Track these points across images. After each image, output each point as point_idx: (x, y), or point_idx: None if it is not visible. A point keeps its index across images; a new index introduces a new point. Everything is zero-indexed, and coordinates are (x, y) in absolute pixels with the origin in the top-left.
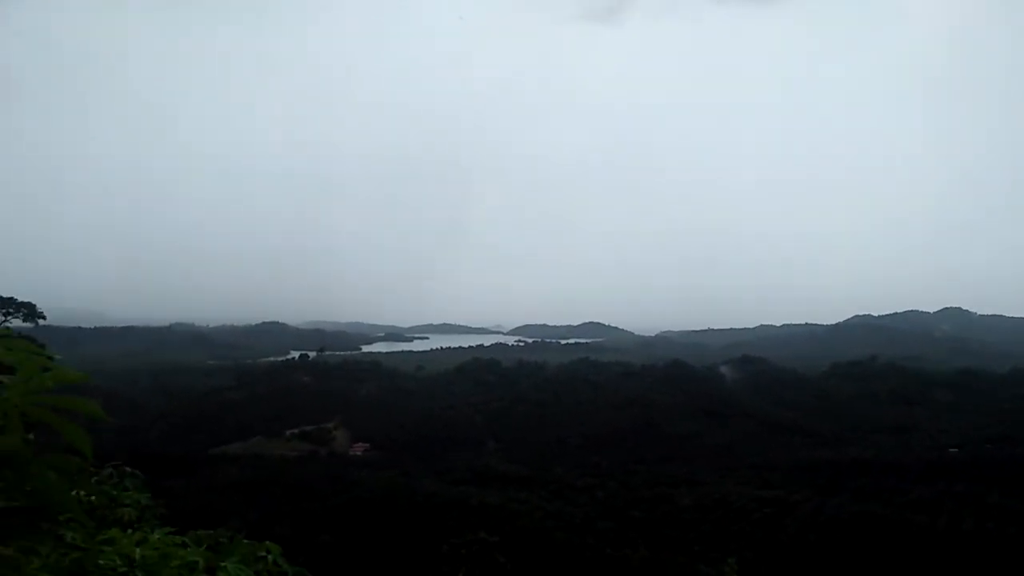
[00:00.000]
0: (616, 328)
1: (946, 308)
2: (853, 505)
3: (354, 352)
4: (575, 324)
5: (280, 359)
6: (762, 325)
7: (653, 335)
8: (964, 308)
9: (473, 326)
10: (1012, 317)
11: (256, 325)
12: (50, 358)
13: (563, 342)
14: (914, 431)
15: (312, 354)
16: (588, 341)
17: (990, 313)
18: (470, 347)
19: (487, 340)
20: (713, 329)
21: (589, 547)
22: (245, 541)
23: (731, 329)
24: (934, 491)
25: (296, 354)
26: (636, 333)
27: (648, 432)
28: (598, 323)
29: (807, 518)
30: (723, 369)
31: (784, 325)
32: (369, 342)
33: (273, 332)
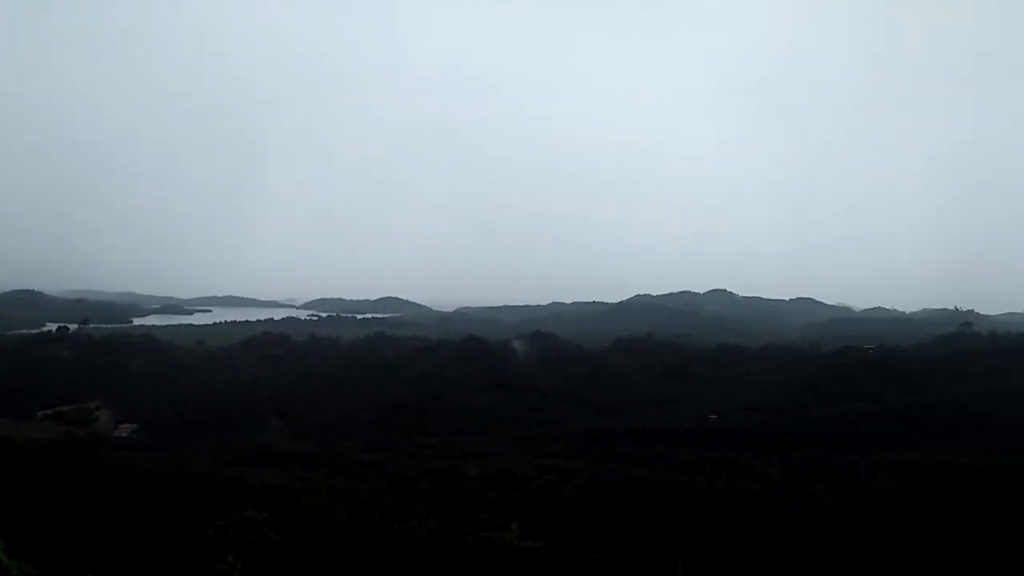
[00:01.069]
0: (415, 303)
1: (713, 290)
2: (625, 470)
3: (124, 325)
4: (373, 299)
5: (34, 332)
6: (554, 302)
7: (451, 311)
8: (728, 290)
9: (263, 299)
10: (768, 299)
11: (5, 294)
12: None
13: (359, 317)
14: (681, 401)
15: (73, 327)
16: (386, 316)
17: (750, 295)
18: (258, 321)
19: (278, 314)
20: (509, 306)
21: (375, 522)
22: None
23: (526, 306)
24: (695, 455)
25: (54, 326)
26: (434, 309)
27: (440, 406)
28: (397, 298)
29: (584, 483)
30: (516, 344)
31: (574, 303)
32: (142, 314)
33: (26, 301)
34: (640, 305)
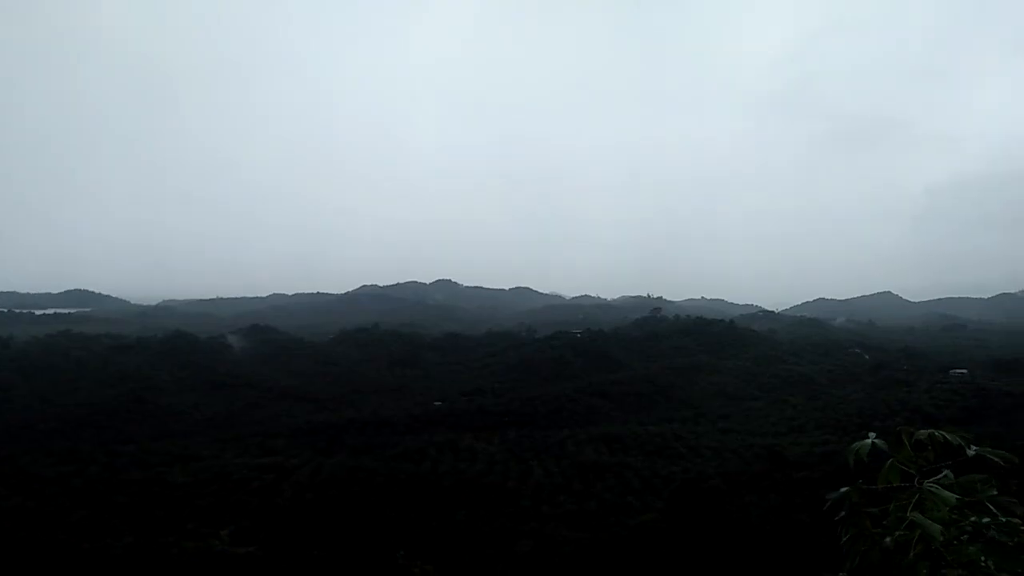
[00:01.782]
0: (108, 296)
1: (439, 280)
2: (349, 462)
3: None
4: (56, 292)
5: None
6: (274, 294)
7: (154, 304)
8: (453, 280)
9: None
10: (490, 288)
11: None
12: None
13: (38, 312)
14: (408, 390)
15: None
16: (71, 311)
17: (473, 285)
18: None
19: None
20: (223, 298)
21: (60, 543)
22: None
23: (242, 298)
24: (420, 441)
25: None
26: (133, 302)
27: (140, 409)
28: (85, 290)
29: (305, 480)
30: (230, 339)
31: (296, 294)
32: None
33: None
34: (366, 296)
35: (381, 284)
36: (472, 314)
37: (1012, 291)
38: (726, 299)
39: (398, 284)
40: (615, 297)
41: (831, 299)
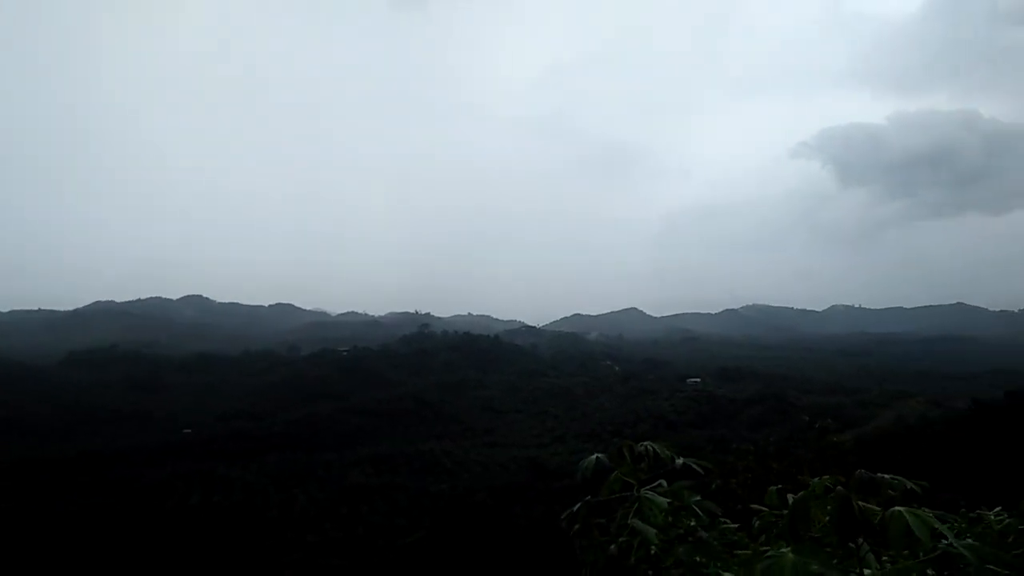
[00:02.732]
0: None
1: (189, 295)
2: (79, 500)
3: None
4: None
5: None
6: None
7: None
8: (205, 296)
9: None
10: (247, 304)
11: None
12: None
13: None
14: (151, 417)
15: None
16: None
17: (229, 301)
18: None
19: None
20: None
21: None
22: None
23: None
24: (164, 473)
25: None
26: None
27: None
28: None
29: (18, 528)
30: None
31: (12, 311)
32: None
33: None
34: (101, 312)
35: (119, 300)
36: (227, 332)
37: (735, 307)
38: (492, 315)
39: (139, 300)
40: (383, 313)
41: (585, 315)
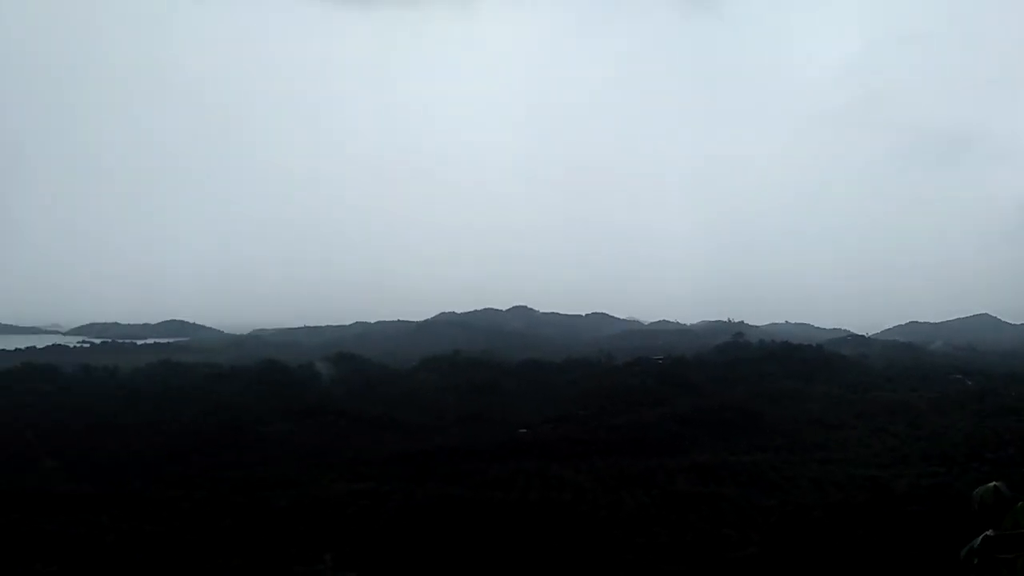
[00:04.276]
0: (202, 326)
1: (515, 307)
2: (439, 490)
3: None
4: (153, 323)
5: None
6: (358, 322)
7: (244, 334)
8: (529, 307)
9: (21, 325)
10: (566, 314)
11: None
12: None
13: (139, 343)
14: (490, 417)
15: None
16: (170, 341)
17: (549, 311)
18: (18, 351)
19: (40, 341)
20: (309, 326)
21: (170, 566)
22: None
23: (327, 326)
24: (506, 469)
25: None
26: (225, 332)
27: (240, 436)
28: (181, 321)
29: (399, 506)
30: (319, 367)
31: (378, 322)
32: None
33: None
34: (444, 323)
35: (458, 311)
36: (550, 340)
37: None
38: (812, 323)
39: (475, 311)
40: (694, 322)
41: (924, 322)
